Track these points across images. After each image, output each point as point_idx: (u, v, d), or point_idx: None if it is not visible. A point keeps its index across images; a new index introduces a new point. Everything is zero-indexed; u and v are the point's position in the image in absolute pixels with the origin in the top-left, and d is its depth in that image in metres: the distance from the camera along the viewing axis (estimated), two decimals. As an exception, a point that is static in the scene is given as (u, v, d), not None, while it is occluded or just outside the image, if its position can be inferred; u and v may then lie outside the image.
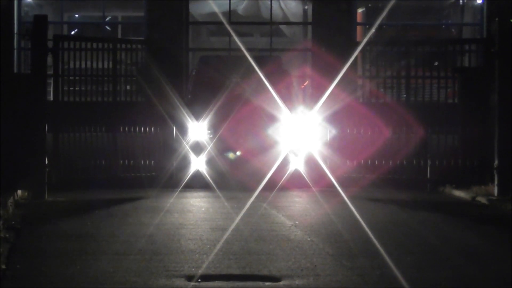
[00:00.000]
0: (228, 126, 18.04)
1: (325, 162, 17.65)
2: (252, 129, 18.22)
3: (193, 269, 9.64)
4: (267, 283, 9.06)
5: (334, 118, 18.60)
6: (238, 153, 18.13)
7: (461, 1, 22.33)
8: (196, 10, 22.48)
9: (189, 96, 19.00)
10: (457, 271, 9.75)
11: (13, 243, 11.29)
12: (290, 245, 11.21)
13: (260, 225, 12.87)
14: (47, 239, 11.73)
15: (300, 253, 10.65)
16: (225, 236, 11.74)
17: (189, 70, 20.76)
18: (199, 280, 9.14)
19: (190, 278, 9.22)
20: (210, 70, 18.95)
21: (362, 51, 18.71)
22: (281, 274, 9.44)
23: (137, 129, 18.59)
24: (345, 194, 15.48)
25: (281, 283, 9.06)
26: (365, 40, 18.78)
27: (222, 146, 18.12)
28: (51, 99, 17.98)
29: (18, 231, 12.30)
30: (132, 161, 18.44)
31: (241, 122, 18.15)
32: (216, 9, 21.34)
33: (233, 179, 17.55)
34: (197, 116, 18.19)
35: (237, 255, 10.45)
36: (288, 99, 18.38)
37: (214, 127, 18.17)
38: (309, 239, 11.74)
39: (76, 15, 24.11)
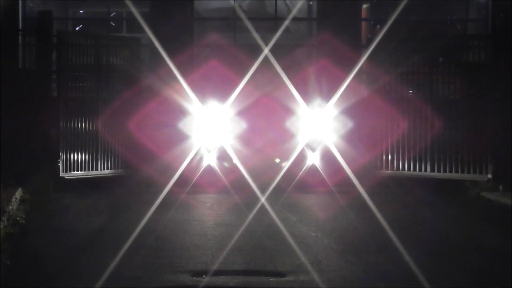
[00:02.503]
0: (241, 121, 17.99)
1: (341, 157, 17.51)
2: (265, 124, 18.13)
3: (198, 265, 9.64)
4: (272, 279, 9.05)
5: (343, 114, 18.54)
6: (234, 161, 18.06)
7: (466, -3, 22.28)
8: (201, 6, 22.47)
9: (200, 91, 18.92)
10: (460, 265, 9.74)
11: (18, 238, 11.31)
12: (295, 241, 11.20)
13: (266, 221, 12.85)
14: (51, 235, 11.74)
15: (305, 249, 10.65)
16: (230, 232, 11.74)
17: (195, 65, 20.71)
18: (204, 275, 9.14)
19: (195, 273, 9.23)
20: (220, 64, 18.92)
21: (370, 47, 18.65)
22: (286, 269, 9.44)
23: (144, 124, 18.53)
24: (358, 190, 15.36)
25: (286, 278, 9.06)
26: (378, 38, 18.70)
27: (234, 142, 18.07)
28: (56, 94, 17.94)
29: (22, 226, 12.32)
30: (139, 157, 18.41)
31: (254, 116, 18.07)
32: (223, 4, 21.35)
33: (245, 175, 17.44)
34: (207, 111, 18.12)
35: (242, 251, 10.44)
36: (302, 93, 18.26)
37: (226, 122, 18.08)
38: (313, 234, 11.73)
39: (81, 11, 24.09)
